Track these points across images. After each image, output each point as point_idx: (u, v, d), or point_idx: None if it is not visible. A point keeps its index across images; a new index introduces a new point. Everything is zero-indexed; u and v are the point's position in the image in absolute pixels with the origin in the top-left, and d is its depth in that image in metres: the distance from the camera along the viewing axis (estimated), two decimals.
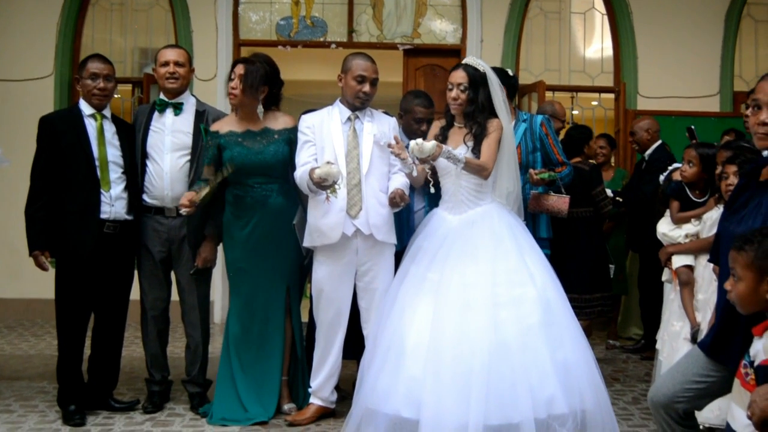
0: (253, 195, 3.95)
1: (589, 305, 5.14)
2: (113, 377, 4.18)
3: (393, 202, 3.75)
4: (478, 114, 3.74)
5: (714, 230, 3.66)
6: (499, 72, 4.27)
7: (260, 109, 3.98)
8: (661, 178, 4.55)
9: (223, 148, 3.94)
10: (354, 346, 4.08)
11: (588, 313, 5.15)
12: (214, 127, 4.03)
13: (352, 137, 3.90)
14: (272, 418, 3.96)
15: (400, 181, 3.86)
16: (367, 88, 3.90)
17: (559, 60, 7.36)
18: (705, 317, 3.68)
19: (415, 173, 3.77)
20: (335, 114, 3.97)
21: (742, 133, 4.48)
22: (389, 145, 3.68)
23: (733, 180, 3.45)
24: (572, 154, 5.29)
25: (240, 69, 3.95)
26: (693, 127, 4.37)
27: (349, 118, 3.94)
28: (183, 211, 3.75)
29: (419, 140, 3.44)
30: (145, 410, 4.10)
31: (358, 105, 3.93)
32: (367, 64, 3.92)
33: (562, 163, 4.29)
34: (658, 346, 4.07)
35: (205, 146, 4.00)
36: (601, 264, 5.24)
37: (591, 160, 5.47)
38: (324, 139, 3.91)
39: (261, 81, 3.94)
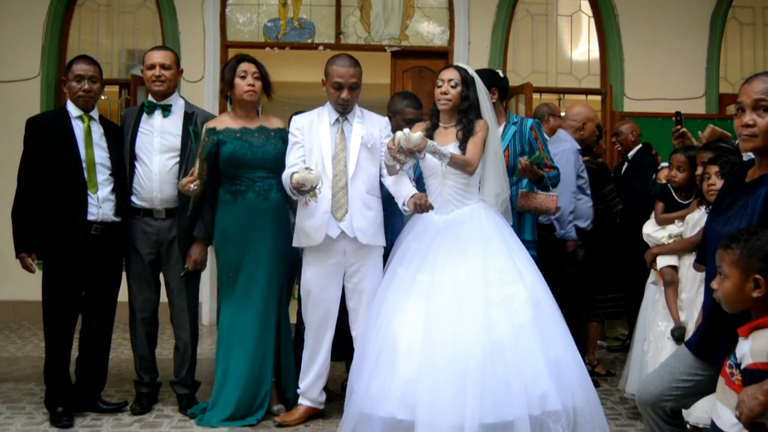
0: (255, 189, 3.95)
1: (601, 306, 5.16)
2: (101, 379, 4.16)
3: (419, 207, 3.61)
4: (469, 111, 3.75)
5: (696, 231, 3.72)
6: (490, 73, 4.28)
7: (260, 107, 4.06)
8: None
9: (222, 143, 3.94)
10: (342, 347, 4.08)
11: (599, 314, 5.17)
12: (209, 125, 4.02)
13: (339, 139, 3.90)
14: (261, 419, 3.95)
15: (410, 187, 3.79)
16: (344, 94, 3.88)
17: (546, 62, 7.40)
18: (690, 317, 3.71)
19: (398, 167, 3.75)
20: (324, 116, 3.98)
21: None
22: (388, 146, 3.62)
23: (715, 180, 3.49)
24: (583, 152, 5.29)
25: (251, 67, 3.99)
26: (681, 112, 4.38)
27: (337, 120, 3.95)
28: (192, 186, 3.72)
29: (406, 130, 3.42)
30: (133, 412, 4.09)
31: (340, 111, 3.94)
32: (343, 70, 3.89)
33: (550, 167, 4.29)
34: (644, 347, 4.08)
35: (198, 143, 3.97)
36: (612, 263, 5.22)
37: (600, 159, 5.48)
38: (312, 140, 3.92)
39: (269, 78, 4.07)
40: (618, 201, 5.22)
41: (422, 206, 3.59)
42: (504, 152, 4.05)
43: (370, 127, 3.94)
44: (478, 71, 4.37)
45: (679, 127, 4.29)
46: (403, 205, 3.72)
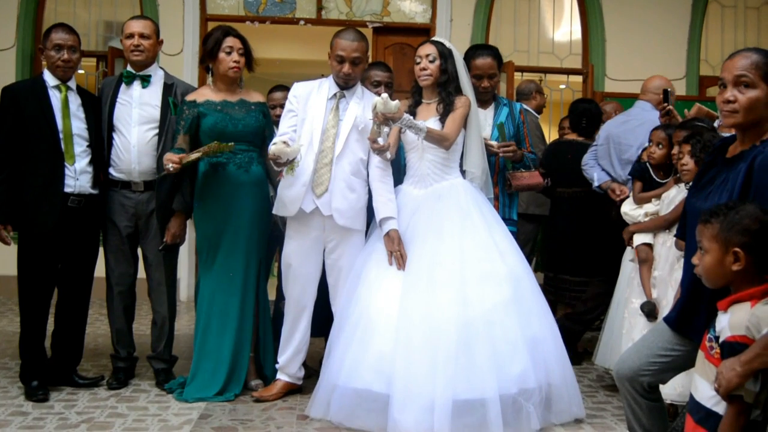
0: (236, 162, 3.92)
1: (577, 288, 5.09)
2: (77, 353, 4.13)
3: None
4: (449, 84, 3.75)
5: (671, 208, 3.76)
6: (494, 49, 4.26)
7: (242, 81, 4.04)
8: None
9: (203, 116, 3.91)
10: (323, 323, 4.06)
11: (575, 297, 5.13)
12: (190, 97, 3.99)
13: (333, 115, 3.85)
14: (239, 394, 3.94)
15: (392, 209, 3.74)
16: (346, 68, 3.82)
17: (528, 41, 7.39)
18: (664, 294, 3.75)
19: (388, 152, 3.73)
20: (324, 88, 3.92)
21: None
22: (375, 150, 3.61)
23: (687, 160, 3.51)
24: (596, 127, 5.24)
25: (237, 43, 3.94)
26: (669, 90, 4.39)
27: (335, 95, 3.89)
28: (170, 166, 3.66)
29: (384, 95, 3.41)
30: (109, 386, 4.06)
31: (341, 84, 3.89)
32: (347, 43, 3.83)
33: (529, 150, 4.31)
34: (621, 323, 4.11)
35: (179, 116, 3.95)
36: (598, 247, 5.10)
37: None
38: (307, 111, 3.87)
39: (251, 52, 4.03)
40: None
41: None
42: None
43: (367, 109, 3.85)
44: (485, 45, 4.35)
45: (665, 104, 4.30)
46: (379, 225, 3.75)
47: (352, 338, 3.52)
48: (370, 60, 4.27)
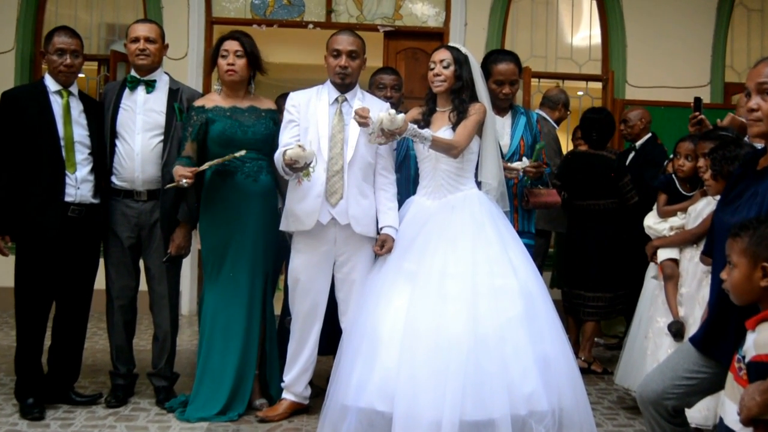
0: (245, 170, 3.83)
1: (590, 304, 5.00)
2: (75, 369, 4.04)
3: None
4: (463, 91, 3.64)
5: (698, 222, 3.64)
6: (515, 55, 4.15)
7: (252, 86, 3.97)
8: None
9: (212, 122, 3.82)
10: (330, 340, 3.94)
11: (590, 312, 5.02)
12: (198, 103, 3.92)
13: (337, 120, 3.77)
14: (243, 414, 3.84)
15: (392, 218, 3.74)
16: (342, 61, 3.76)
17: (545, 46, 7.24)
18: (690, 312, 3.66)
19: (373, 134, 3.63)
20: (324, 94, 3.85)
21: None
22: (355, 112, 3.53)
23: (708, 176, 3.48)
24: (607, 138, 5.13)
25: (233, 45, 3.87)
26: (701, 98, 4.22)
27: (336, 100, 3.81)
28: (184, 182, 3.58)
29: (392, 111, 3.32)
30: (108, 404, 3.97)
31: (338, 82, 3.80)
32: (342, 38, 3.81)
33: (545, 163, 4.20)
34: (644, 344, 3.95)
35: (186, 123, 3.87)
36: (615, 261, 5.01)
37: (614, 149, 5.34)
38: (309, 119, 3.79)
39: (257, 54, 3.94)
40: (634, 193, 4.96)
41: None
42: (519, 142, 4.02)
43: (372, 111, 3.74)
44: (507, 51, 4.27)
45: (697, 113, 4.13)
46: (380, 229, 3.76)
47: (358, 355, 3.41)
48: (374, 64, 4.21)
